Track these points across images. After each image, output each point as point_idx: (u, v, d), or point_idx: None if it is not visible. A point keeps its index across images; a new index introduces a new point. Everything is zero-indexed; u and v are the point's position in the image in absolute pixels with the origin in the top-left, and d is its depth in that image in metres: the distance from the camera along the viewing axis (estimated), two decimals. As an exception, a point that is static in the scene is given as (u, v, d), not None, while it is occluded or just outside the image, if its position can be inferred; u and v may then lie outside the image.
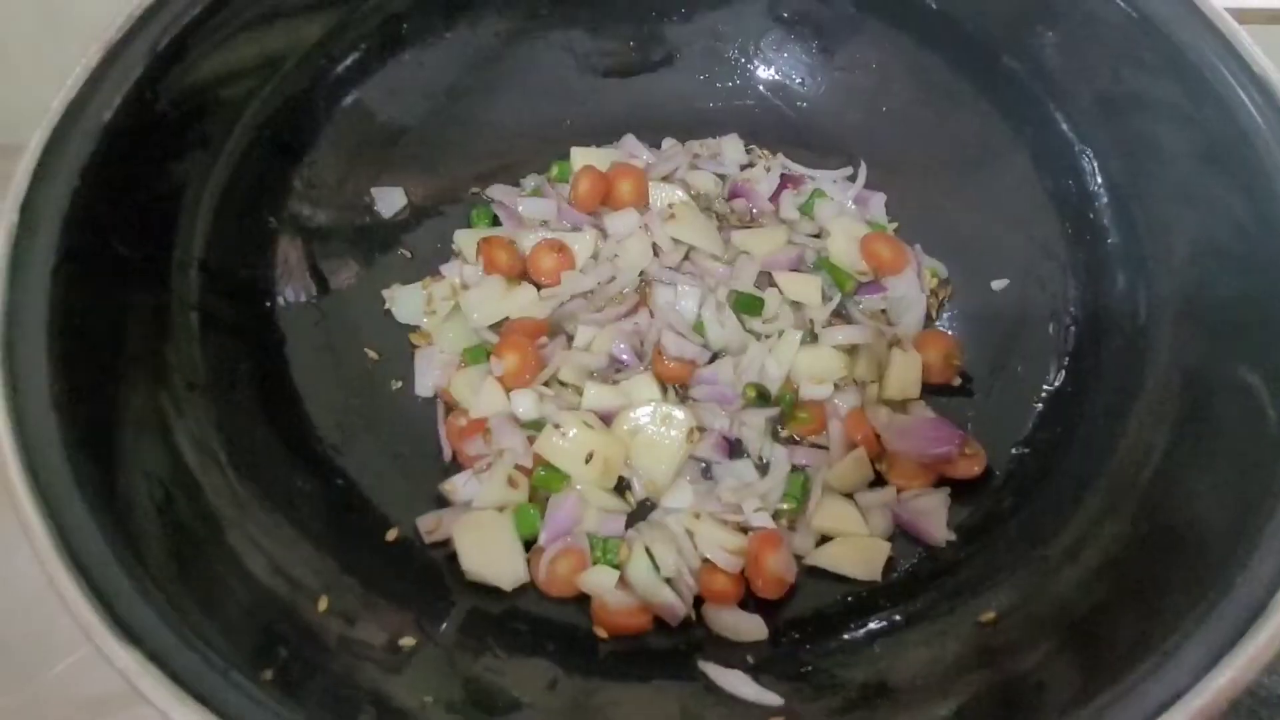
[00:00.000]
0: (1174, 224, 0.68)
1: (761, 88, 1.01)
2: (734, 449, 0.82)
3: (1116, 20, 0.67)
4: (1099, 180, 0.75)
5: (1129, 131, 0.71)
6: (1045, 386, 0.77)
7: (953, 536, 0.74)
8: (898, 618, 0.67)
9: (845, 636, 0.67)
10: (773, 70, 1.01)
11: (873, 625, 0.67)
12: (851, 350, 0.86)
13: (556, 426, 0.76)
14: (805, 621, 0.70)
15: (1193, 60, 0.63)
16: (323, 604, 0.60)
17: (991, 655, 0.60)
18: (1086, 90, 0.74)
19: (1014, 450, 0.76)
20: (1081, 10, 0.70)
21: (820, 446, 0.82)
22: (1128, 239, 0.72)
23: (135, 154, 0.65)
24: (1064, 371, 0.77)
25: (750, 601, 0.73)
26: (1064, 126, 0.77)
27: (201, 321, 0.69)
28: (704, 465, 0.82)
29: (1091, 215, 0.76)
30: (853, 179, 0.97)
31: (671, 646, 0.70)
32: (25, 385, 0.51)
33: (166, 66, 0.67)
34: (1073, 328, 0.78)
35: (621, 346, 0.84)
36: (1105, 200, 0.75)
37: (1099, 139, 0.75)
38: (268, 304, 0.78)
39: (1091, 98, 0.74)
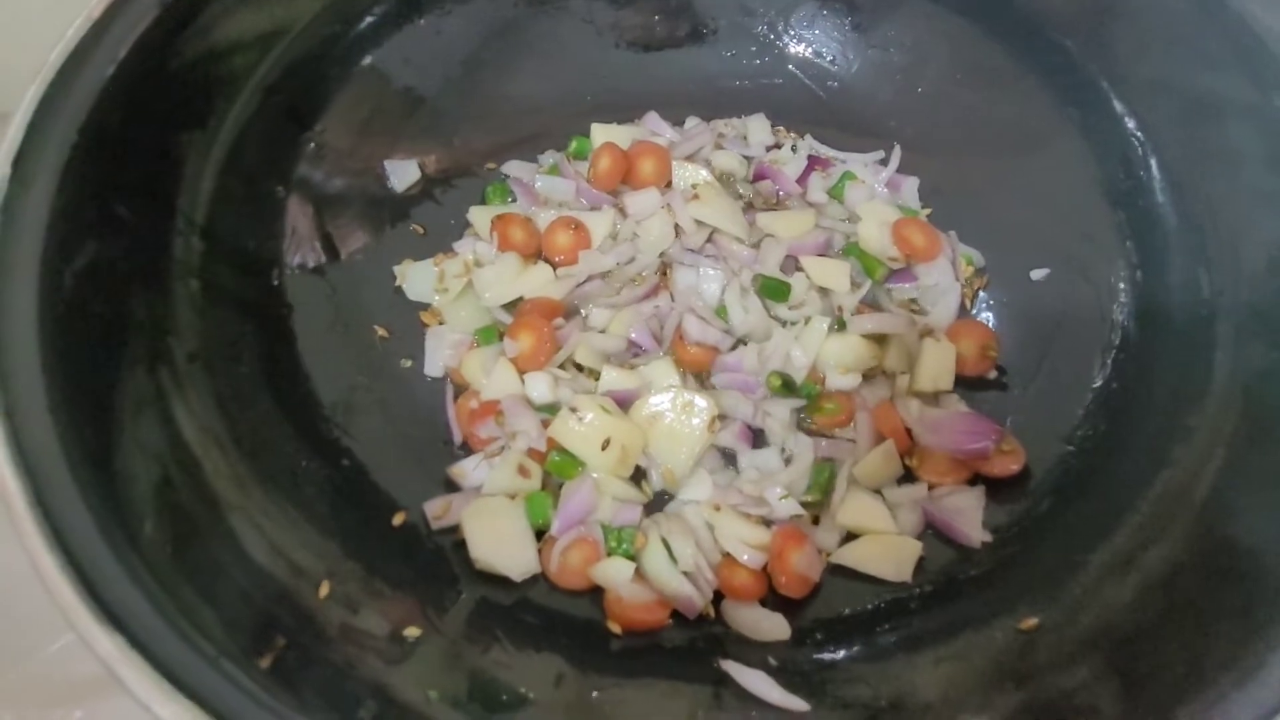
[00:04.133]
0: (1242, 223, 0.63)
1: (790, 65, 0.97)
2: (756, 439, 0.78)
3: (1187, 2, 0.63)
4: (1156, 170, 0.71)
5: (1193, 121, 0.67)
6: (1091, 383, 0.73)
7: (988, 537, 0.70)
8: (929, 624, 0.63)
9: (873, 642, 0.63)
10: (803, 47, 0.97)
11: (902, 631, 0.63)
12: (881, 339, 0.82)
13: (573, 410, 0.73)
14: (830, 623, 0.67)
15: (1270, 49, 0.58)
16: (324, 590, 0.57)
17: (1029, 673, 0.55)
18: (1146, 74, 0.70)
19: (1057, 449, 0.72)
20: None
21: (847, 439, 0.78)
22: (1186, 232, 0.68)
23: (137, 113, 0.62)
24: (1111, 368, 0.72)
25: (770, 599, 0.69)
26: (1119, 111, 0.73)
27: (203, 290, 0.66)
28: (724, 455, 0.78)
29: (1144, 205, 0.72)
30: (884, 162, 0.93)
31: (688, 643, 0.67)
32: (13, 352, 0.48)
33: (175, 22, 0.64)
34: (1122, 322, 0.73)
35: (640, 330, 0.81)
36: (1161, 190, 0.70)
37: (1158, 125, 0.71)
38: (273, 275, 0.75)
39: (1152, 82, 0.69)
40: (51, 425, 0.47)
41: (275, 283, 0.74)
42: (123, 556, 0.43)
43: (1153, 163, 0.71)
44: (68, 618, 0.38)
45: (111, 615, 0.39)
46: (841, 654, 0.62)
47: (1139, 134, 0.73)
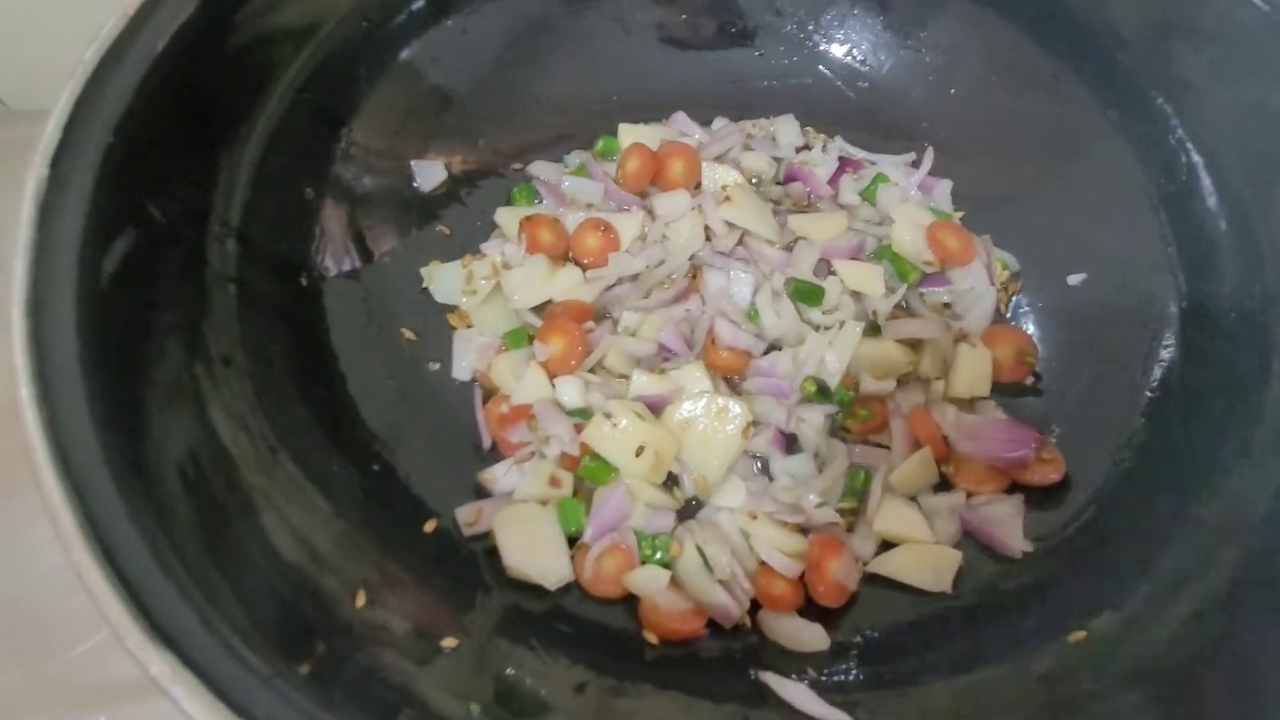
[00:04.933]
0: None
1: (821, 66, 0.96)
2: (789, 445, 0.77)
3: (1242, 6, 0.61)
4: (1205, 174, 0.69)
5: (1247, 125, 0.65)
6: (1135, 390, 0.71)
7: (1029, 547, 0.68)
8: (974, 641, 0.62)
9: (916, 658, 0.62)
10: (833, 47, 0.96)
11: (946, 647, 0.62)
12: (915, 345, 0.81)
13: (607, 416, 0.72)
14: (870, 637, 0.65)
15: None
16: (361, 599, 0.56)
17: (1073, 699, 0.54)
18: (1197, 77, 0.68)
19: (1101, 460, 0.70)
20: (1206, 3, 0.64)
21: (882, 446, 0.77)
22: (1239, 239, 0.66)
23: (171, 112, 0.61)
24: (1157, 375, 0.71)
25: (807, 609, 0.68)
26: (1166, 113, 0.71)
27: (239, 294, 0.65)
28: (756, 462, 0.77)
29: (1190, 209, 0.71)
30: (916, 164, 0.92)
31: (724, 654, 0.66)
32: (52, 353, 0.47)
33: (208, 22, 0.63)
34: (1166, 329, 0.72)
35: (671, 334, 0.80)
36: (1211, 195, 0.69)
37: (1208, 130, 0.69)
38: (305, 279, 0.74)
39: (1203, 85, 0.68)
40: (92, 430, 0.46)
41: (307, 286, 0.74)
42: (167, 567, 0.42)
43: (1200, 167, 0.70)
44: (118, 636, 0.37)
45: (162, 633, 0.38)
46: (884, 670, 0.61)
47: (1186, 138, 0.71)
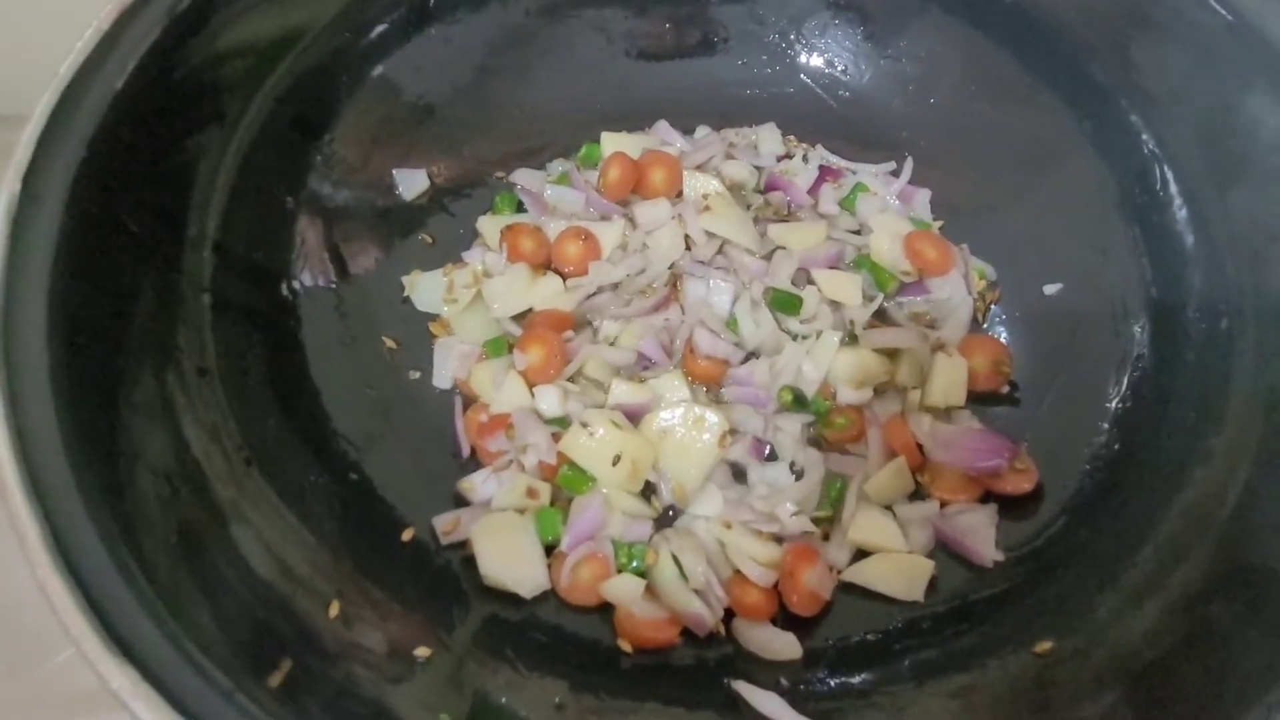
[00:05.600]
0: (1261, 239, 0.63)
1: (802, 75, 0.97)
2: (767, 454, 0.78)
3: (1205, 16, 0.62)
4: (1171, 183, 0.70)
5: (1211, 135, 0.66)
6: (1106, 401, 0.72)
7: (1001, 556, 0.69)
8: (944, 648, 0.62)
9: (886, 666, 0.62)
10: (815, 57, 0.96)
11: (917, 655, 0.62)
12: (892, 354, 0.81)
13: (584, 425, 0.72)
14: (842, 645, 0.66)
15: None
16: (334, 610, 0.56)
17: (1046, 703, 0.55)
18: (1164, 88, 0.69)
19: (1071, 468, 0.71)
20: (1167, 5, 0.65)
21: (858, 455, 0.77)
22: (1204, 248, 0.67)
23: (147, 125, 0.61)
24: (1128, 385, 0.72)
25: (781, 618, 0.69)
26: (1135, 124, 0.72)
27: (213, 304, 0.65)
28: (734, 471, 0.78)
29: (1159, 219, 0.72)
30: (896, 174, 0.93)
31: (698, 663, 0.66)
32: (23, 368, 0.47)
33: (184, 32, 0.63)
34: (1138, 339, 0.73)
35: (650, 342, 0.80)
36: (1178, 205, 0.70)
37: (1175, 140, 0.70)
38: (282, 288, 0.74)
39: (1169, 95, 0.69)
40: (60, 443, 0.46)
41: (284, 295, 0.74)
42: (132, 581, 0.43)
43: (1170, 178, 0.71)
44: (79, 648, 0.38)
45: (123, 645, 0.39)
46: (855, 678, 0.62)
47: (1156, 149, 0.72)
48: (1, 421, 0.44)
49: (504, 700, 0.57)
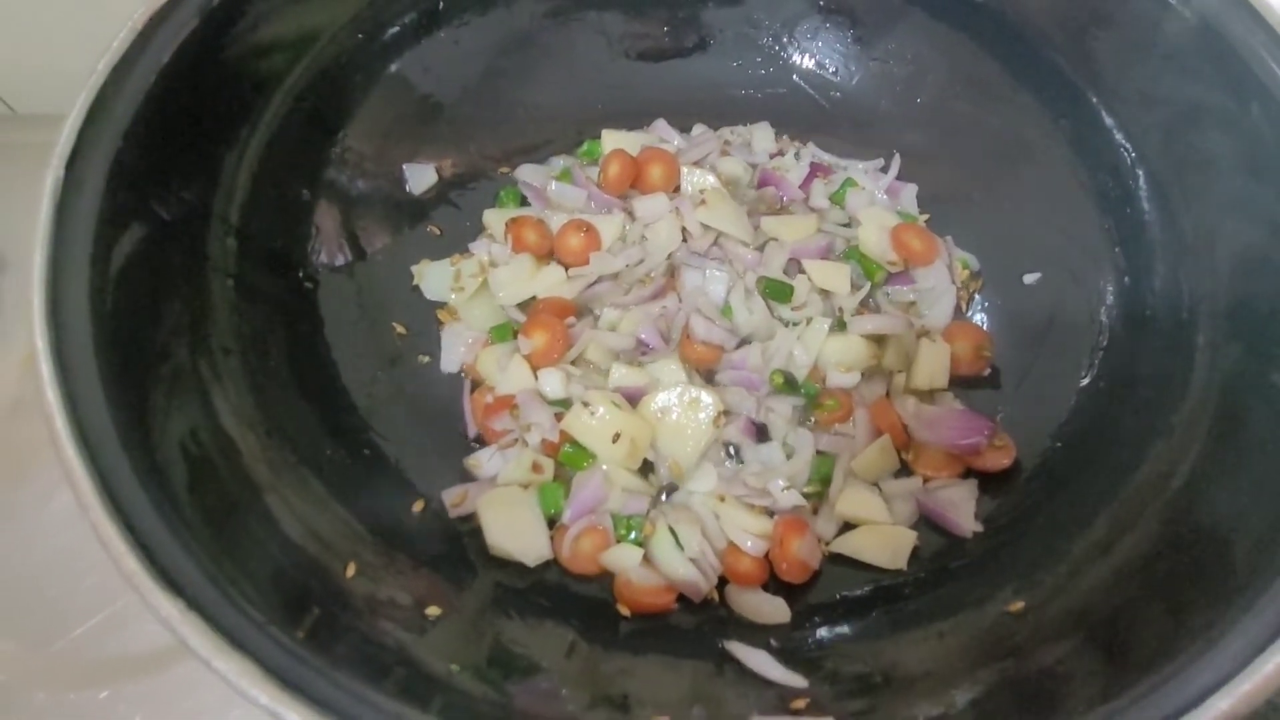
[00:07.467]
0: (1219, 230, 0.67)
1: (794, 76, 1.01)
2: (760, 434, 0.82)
3: (1169, 19, 0.66)
4: (1142, 178, 0.74)
5: (1176, 132, 0.70)
6: (1078, 382, 0.76)
7: (979, 528, 0.73)
8: (920, 607, 0.66)
9: (867, 623, 0.66)
10: (806, 59, 1.00)
11: (895, 613, 0.67)
12: (880, 340, 0.85)
13: (585, 405, 0.76)
14: (828, 607, 0.70)
15: (1246, 61, 0.62)
16: (351, 569, 0.60)
17: (1013, 649, 0.58)
18: (1133, 88, 0.73)
19: (1044, 444, 0.75)
20: (1133, 8, 0.69)
21: (846, 435, 0.81)
22: (1170, 239, 0.71)
23: (176, 119, 0.65)
24: (1098, 367, 0.76)
25: (771, 585, 0.73)
26: (1108, 123, 0.76)
27: (236, 288, 0.69)
28: (728, 449, 0.81)
29: (1131, 212, 0.75)
30: (884, 170, 0.97)
31: (694, 626, 0.70)
32: (69, 333, 0.51)
33: (212, 33, 0.67)
34: (1109, 325, 0.77)
35: (648, 329, 0.84)
36: (1147, 199, 0.74)
37: (1144, 137, 0.74)
38: (300, 275, 0.78)
39: (1138, 95, 0.73)
40: (104, 404, 0.50)
41: (302, 281, 0.78)
42: (175, 531, 0.47)
43: (1140, 172, 0.75)
44: (131, 583, 0.42)
45: (171, 581, 0.43)
46: (838, 634, 0.66)
47: (1127, 145, 0.76)
48: (52, 384, 0.48)
49: (517, 650, 0.61)
